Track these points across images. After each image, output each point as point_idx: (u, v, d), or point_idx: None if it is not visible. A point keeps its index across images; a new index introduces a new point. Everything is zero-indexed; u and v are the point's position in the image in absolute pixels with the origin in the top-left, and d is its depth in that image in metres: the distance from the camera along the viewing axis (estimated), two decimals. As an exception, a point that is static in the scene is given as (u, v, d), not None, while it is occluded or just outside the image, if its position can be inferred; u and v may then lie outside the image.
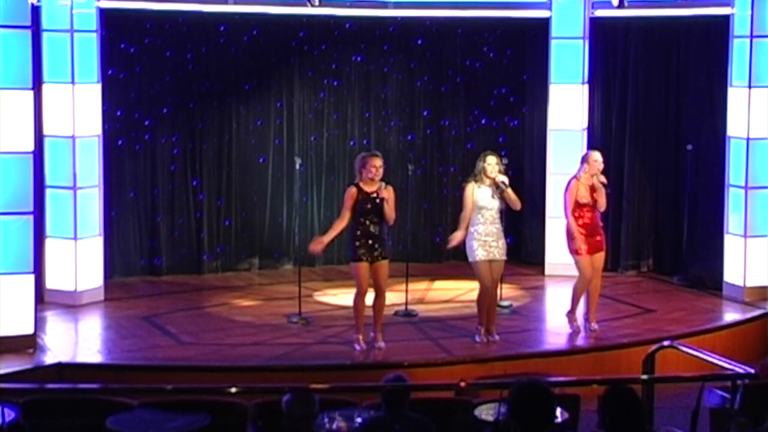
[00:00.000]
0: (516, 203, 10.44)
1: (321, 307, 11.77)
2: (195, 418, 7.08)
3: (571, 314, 10.89)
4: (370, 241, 10.04)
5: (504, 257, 10.45)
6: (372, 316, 10.32)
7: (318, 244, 10.36)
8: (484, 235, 10.29)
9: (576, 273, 10.89)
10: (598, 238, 10.75)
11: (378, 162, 10.05)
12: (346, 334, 10.68)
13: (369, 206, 10.03)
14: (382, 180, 10.08)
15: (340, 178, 13.61)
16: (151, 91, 13.17)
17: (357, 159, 10.31)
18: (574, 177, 10.73)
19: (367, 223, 10.04)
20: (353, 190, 10.09)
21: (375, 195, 10.01)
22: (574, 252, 10.71)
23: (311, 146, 13.84)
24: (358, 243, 10.05)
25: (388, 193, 10.06)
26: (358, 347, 10.23)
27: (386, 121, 14.17)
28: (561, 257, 12.23)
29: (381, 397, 6.61)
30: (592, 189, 10.61)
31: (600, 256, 10.80)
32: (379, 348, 10.25)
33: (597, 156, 10.73)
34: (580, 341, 10.81)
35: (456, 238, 10.38)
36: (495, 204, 10.35)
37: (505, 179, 10.39)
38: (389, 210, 10.05)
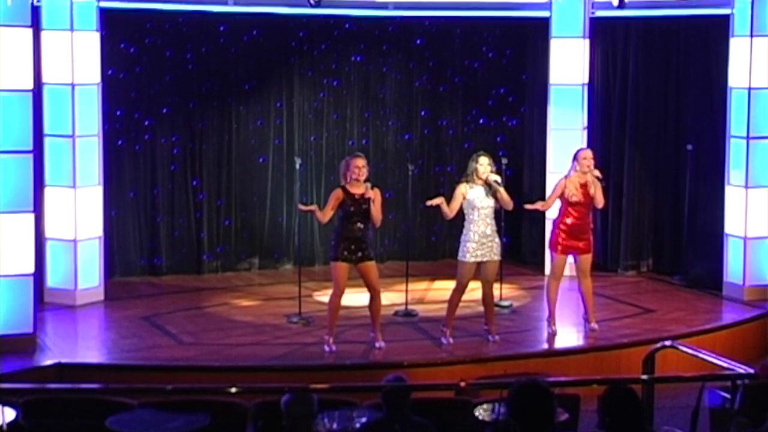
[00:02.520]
0: (508, 203, 10.43)
1: (321, 307, 11.74)
2: (195, 418, 7.08)
3: (548, 318, 10.89)
4: (353, 243, 10.02)
5: (498, 257, 10.44)
6: (370, 317, 10.32)
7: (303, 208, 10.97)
8: (478, 236, 10.29)
9: (574, 273, 10.94)
10: (583, 240, 10.70)
11: (360, 162, 10.04)
12: (347, 334, 10.68)
13: (354, 208, 10.01)
14: (367, 181, 10.06)
15: (340, 178, 13.57)
16: (151, 91, 13.18)
17: (341, 163, 10.32)
18: (565, 176, 10.75)
19: (352, 225, 10.03)
20: (338, 192, 10.08)
21: (361, 197, 10.02)
22: (551, 247, 10.80)
23: (311, 146, 13.85)
24: (340, 244, 10.05)
25: (375, 195, 10.06)
26: (327, 348, 10.19)
27: (384, 120, 14.18)
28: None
29: (381, 399, 6.61)
30: (586, 186, 10.61)
31: (586, 258, 10.76)
32: (379, 348, 10.24)
33: (586, 153, 10.74)
34: (580, 341, 10.82)
35: (437, 200, 10.35)
36: (489, 203, 10.34)
37: (498, 178, 10.39)
38: (376, 211, 10.05)
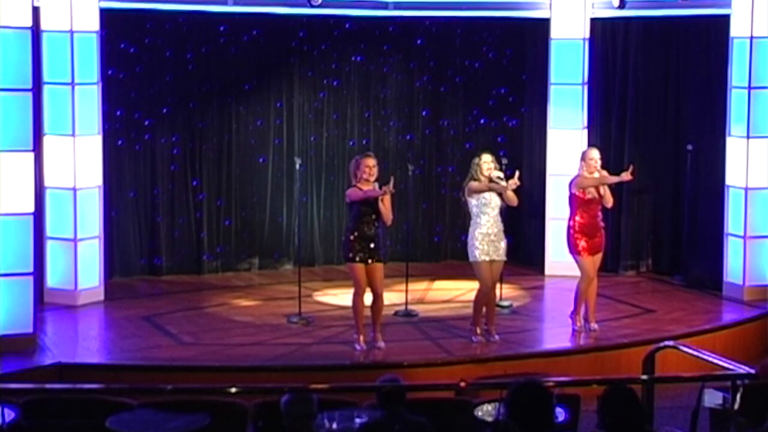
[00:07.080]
0: (512, 200, 10.46)
1: (321, 307, 11.77)
2: (195, 418, 7.08)
3: (575, 315, 10.90)
4: (367, 242, 10.06)
5: (504, 257, 10.48)
6: (370, 317, 10.33)
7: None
8: (486, 235, 10.31)
9: (577, 273, 10.91)
10: (598, 238, 10.74)
11: (371, 162, 10.09)
12: (346, 334, 10.68)
13: (366, 207, 10.05)
14: (377, 180, 10.09)
15: (340, 178, 13.60)
16: (151, 91, 13.17)
17: (351, 163, 10.37)
18: (577, 175, 10.75)
19: (364, 224, 10.06)
20: (354, 188, 10.12)
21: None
22: (575, 252, 10.72)
23: (311, 146, 13.84)
24: (355, 244, 10.07)
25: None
26: (358, 347, 10.25)
27: (385, 121, 14.17)
28: (561, 257, 12.23)
29: (377, 399, 6.62)
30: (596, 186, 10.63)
31: (599, 257, 10.81)
32: (379, 348, 10.26)
33: (593, 154, 10.73)
34: (580, 341, 10.81)
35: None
36: (496, 202, 10.36)
37: (501, 174, 10.40)
38: (385, 210, 10.07)
